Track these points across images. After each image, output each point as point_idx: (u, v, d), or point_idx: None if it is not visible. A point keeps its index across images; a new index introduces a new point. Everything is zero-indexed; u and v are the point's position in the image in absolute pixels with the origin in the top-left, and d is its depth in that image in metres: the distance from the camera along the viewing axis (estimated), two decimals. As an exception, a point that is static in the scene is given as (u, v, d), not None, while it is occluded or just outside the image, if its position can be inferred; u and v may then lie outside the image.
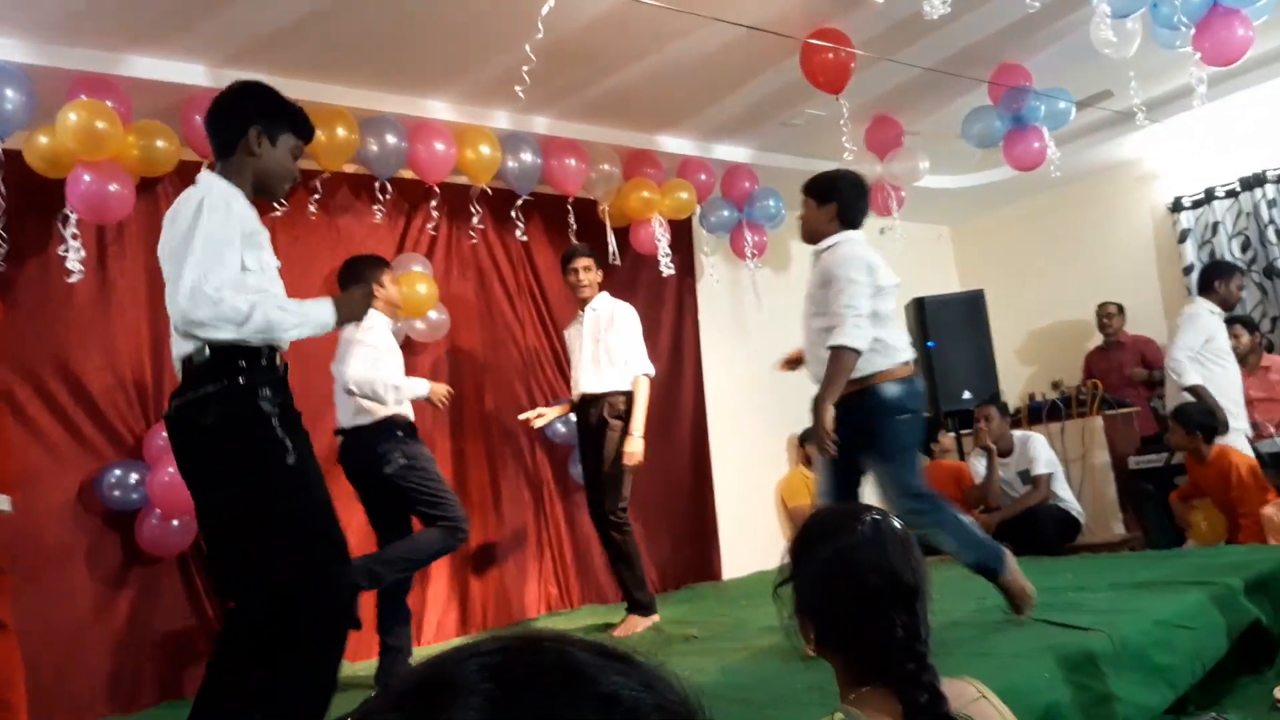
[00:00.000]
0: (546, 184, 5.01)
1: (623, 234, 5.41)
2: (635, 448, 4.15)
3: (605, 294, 4.44)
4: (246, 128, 2.42)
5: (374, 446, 3.60)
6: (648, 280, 5.59)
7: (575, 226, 5.14)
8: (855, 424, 3.17)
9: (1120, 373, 6.22)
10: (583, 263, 4.35)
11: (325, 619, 2.22)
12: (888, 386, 3.19)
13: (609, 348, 4.26)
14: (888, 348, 3.23)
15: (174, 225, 2.34)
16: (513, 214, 4.87)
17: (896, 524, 1.51)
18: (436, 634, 4.61)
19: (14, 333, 3.76)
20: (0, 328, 3.57)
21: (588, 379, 4.29)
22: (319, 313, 2.39)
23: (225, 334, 2.20)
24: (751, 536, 5.59)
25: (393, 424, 3.64)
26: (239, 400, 2.22)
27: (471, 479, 4.87)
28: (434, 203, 4.60)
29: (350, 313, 2.49)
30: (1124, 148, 6.47)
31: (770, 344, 6.32)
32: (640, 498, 5.06)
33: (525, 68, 3.54)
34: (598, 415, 4.22)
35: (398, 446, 3.60)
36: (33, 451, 3.72)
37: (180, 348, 2.29)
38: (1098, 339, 6.60)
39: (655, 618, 4.18)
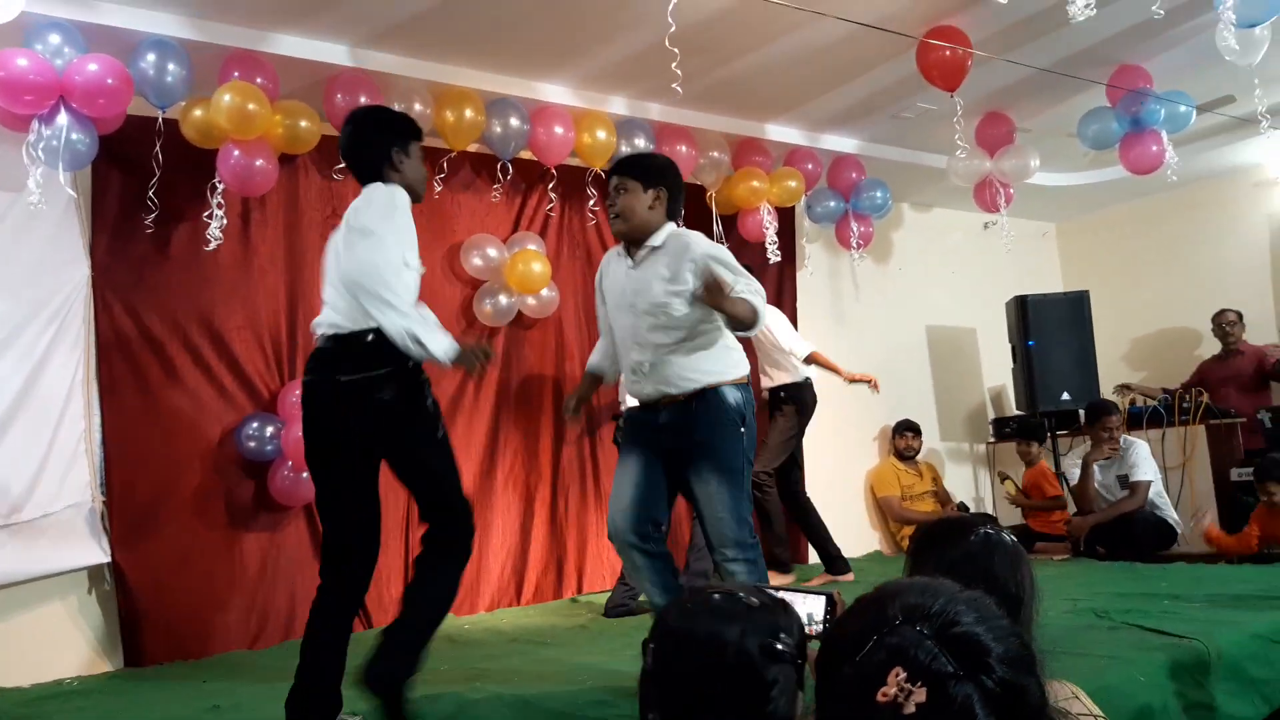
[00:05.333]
0: (658, 169, 5.13)
1: (728, 221, 5.51)
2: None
3: None
4: (388, 151, 2.72)
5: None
6: (749, 267, 5.67)
7: (683, 212, 5.23)
8: (690, 431, 2.83)
9: (1238, 381, 6.09)
10: None
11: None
12: (734, 391, 2.87)
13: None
14: (731, 350, 2.94)
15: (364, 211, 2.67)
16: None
17: (1007, 538, 1.61)
18: (535, 595, 4.83)
19: (166, 290, 4.05)
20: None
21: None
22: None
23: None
24: (839, 524, 5.64)
25: None
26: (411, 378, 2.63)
27: (565, 454, 5.07)
28: (550, 184, 4.78)
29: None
30: (1243, 152, 6.31)
31: (867, 333, 6.40)
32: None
33: (674, 63, 3.62)
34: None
35: None
36: (180, 400, 4.03)
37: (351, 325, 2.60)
38: (1208, 347, 6.47)
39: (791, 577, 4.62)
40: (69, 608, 3.82)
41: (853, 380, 5.33)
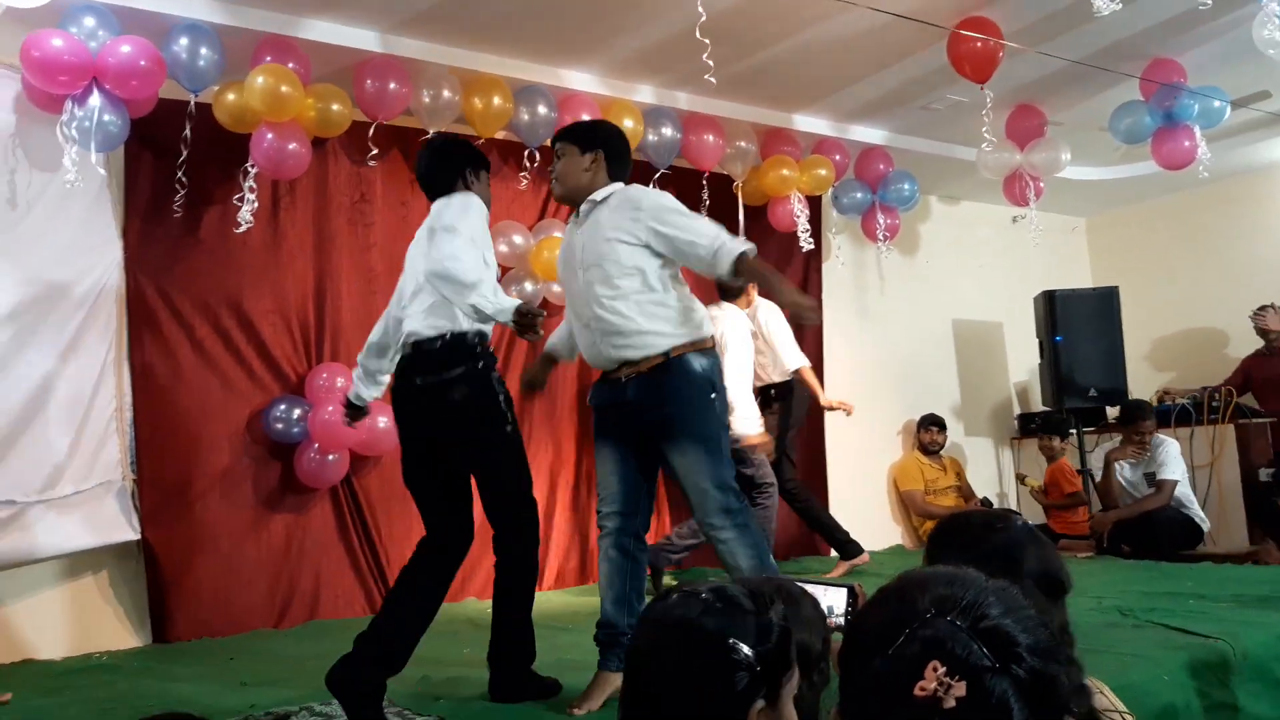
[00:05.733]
0: (683, 158, 5.13)
1: (756, 211, 5.50)
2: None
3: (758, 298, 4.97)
4: (463, 171, 2.96)
5: None
6: (774, 258, 5.66)
7: (708, 202, 5.25)
8: (660, 405, 2.70)
9: (1277, 381, 5.98)
10: None
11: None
12: (700, 358, 2.73)
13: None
14: (692, 310, 2.78)
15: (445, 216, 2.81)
16: (650, 187, 5.00)
17: (1035, 531, 1.60)
18: (556, 581, 4.86)
19: (196, 272, 4.10)
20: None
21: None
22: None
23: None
24: (861, 518, 5.63)
25: None
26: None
27: (587, 440, 5.08)
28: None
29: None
30: (1278, 149, 6.22)
31: (892, 326, 6.38)
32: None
33: (705, 54, 3.62)
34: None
35: None
36: (210, 382, 4.08)
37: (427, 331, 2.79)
38: (1236, 346, 6.39)
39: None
40: (100, 584, 3.89)
41: (829, 408, 5.39)
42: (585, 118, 4.60)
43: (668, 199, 2.77)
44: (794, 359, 5.02)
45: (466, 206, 2.78)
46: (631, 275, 2.69)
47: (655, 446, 2.73)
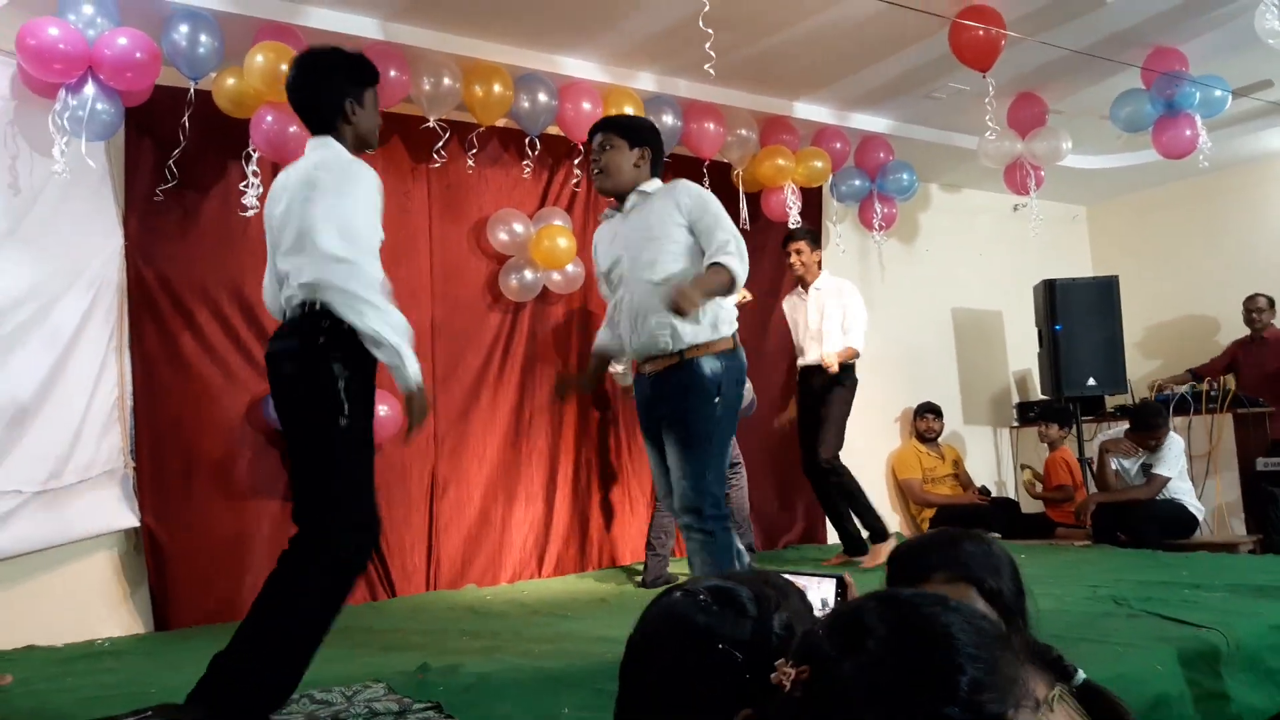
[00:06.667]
0: (683, 146, 5.13)
1: (754, 199, 5.50)
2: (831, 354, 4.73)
3: (826, 273, 5.00)
4: (341, 103, 2.51)
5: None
6: (775, 246, 5.65)
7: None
8: (665, 401, 2.86)
9: (1261, 369, 6.03)
10: (794, 246, 4.92)
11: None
12: (713, 360, 2.83)
13: (835, 323, 4.83)
14: (720, 305, 2.87)
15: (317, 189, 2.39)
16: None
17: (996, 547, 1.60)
18: (556, 568, 4.89)
19: (196, 260, 4.11)
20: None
21: (816, 352, 4.85)
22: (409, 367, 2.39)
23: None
24: (859, 505, 5.65)
25: None
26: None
27: (588, 428, 5.10)
28: (577, 160, 4.78)
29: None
30: (1279, 138, 6.21)
31: (893, 315, 6.38)
32: (753, 459, 5.23)
33: (707, 44, 3.63)
34: (821, 382, 4.79)
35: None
36: (210, 369, 4.09)
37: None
38: (1226, 334, 6.41)
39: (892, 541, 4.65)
40: (102, 570, 3.92)
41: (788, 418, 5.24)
42: (586, 106, 4.62)
43: (709, 197, 2.87)
44: (859, 341, 4.91)
45: (349, 195, 2.36)
46: (679, 260, 2.82)
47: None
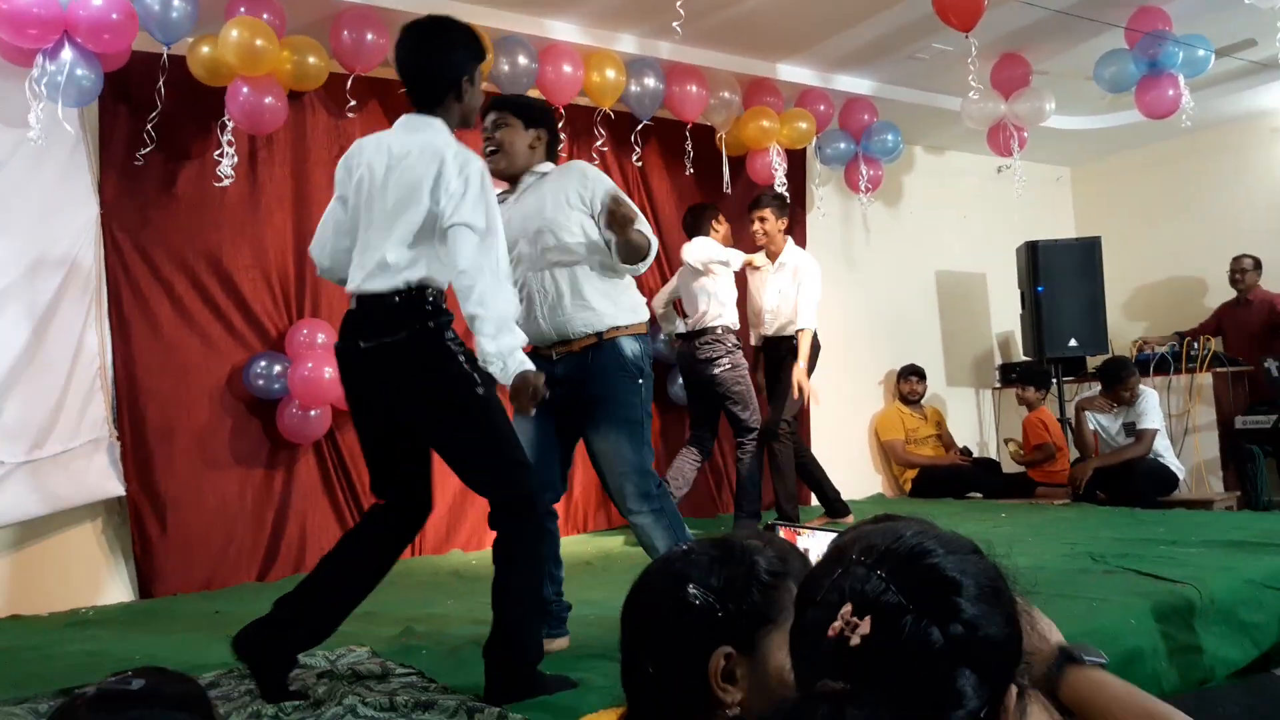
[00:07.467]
0: (666, 109, 5.09)
1: (738, 162, 5.47)
2: (802, 378, 4.67)
3: (791, 245, 4.93)
4: (460, 77, 2.42)
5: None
6: (758, 208, 5.65)
7: (692, 153, 5.23)
8: (585, 385, 2.75)
9: (1245, 330, 6.07)
10: (758, 213, 4.85)
11: None
12: (633, 342, 2.79)
13: (790, 304, 4.79)
14: (629, 291, 2.85)
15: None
16: (632, 139, 4.97)
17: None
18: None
19: (174, 229, 4.07)
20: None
21: (775, 324, 4.87)
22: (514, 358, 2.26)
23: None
24: (843, 468, 5.69)
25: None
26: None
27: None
28: (559, 124, 4.72)
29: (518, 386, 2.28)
30: (1261, 97, 6.22)
31: (876, 277, 6.39)
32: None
33: (678, 2, 3.58)
34: (785, 350, 4.80)
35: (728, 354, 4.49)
36: (190, 338, 4.07)
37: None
38: (1214, 296, 6.44)
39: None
40: (86, 539, 3.92)
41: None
42: (566, 69, 4.58)
43: (615, 188, 2.77)
44: (811, 319, 4.78)
45: (475, 181, 2.26)
46: (577, 249, 2.73)
47: (577, 424, 2.80)
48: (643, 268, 2.80)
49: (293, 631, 2.33)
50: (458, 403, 2.32)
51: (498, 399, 2.36)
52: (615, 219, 2.58)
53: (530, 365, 2.24)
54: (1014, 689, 0.91)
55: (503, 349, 2.20)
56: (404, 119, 2.45)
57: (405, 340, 2.30)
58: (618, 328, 2.76)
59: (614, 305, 2.76)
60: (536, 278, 2.77)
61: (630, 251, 2.70)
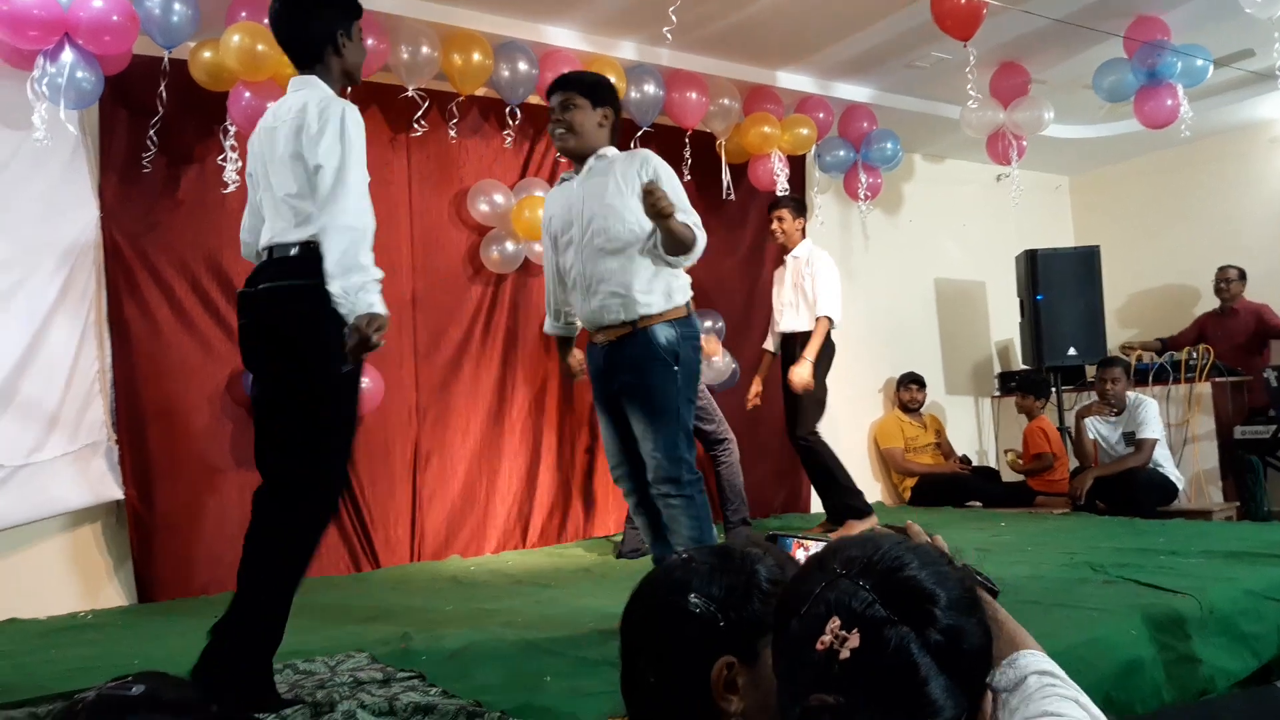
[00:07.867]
0: (666, 115, 5.10)
1: (738, 169, 5.48)
2: (802, 372, 4.56)
3: (807, 241, 4.93)
4: (333, 33, 2.46)
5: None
6: (758, 215, 5.66)
7: (691, 160, 5.24)
8: (621, 372, 2.81)
9: (1231, 340, 6.10)
10: (776, 213, 4.90)
11: None
12: (668, 329, 2.80)
13: (805, 292, 4.75)
14: (675, 275, 2.85)
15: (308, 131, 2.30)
16: (632, 145, 4.98)
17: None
18: (540, 538, 4.92)
19: (174, 232, 4.07)
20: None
21: (789, 320, 4.85)
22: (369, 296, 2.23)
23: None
24: (841, 474, 5.70)
25: None
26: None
27: (572, 399, 5.11)
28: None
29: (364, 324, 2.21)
30: (1259, 108, 6.24)
31: (875, 285, 6.39)
32: (737, 428, 5.23)
33: (671, 8, 3.59)
34: (795, 347, 4.73)
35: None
36: (189, 343, 4.06)
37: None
38: (1206, 304, 6.45)
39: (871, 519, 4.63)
40: (85, 543, 3.91)
41: (755, 394, 5.02)
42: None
43: (673, 175, 2.83)
44: (835, 308, 4.77)
45: (334, 122, 2.27)
46: (630, 236, 2.76)
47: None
48: (687, 261, 2.80)
49: (236, 646, 2.25)
50: (310, 369, 2.28)
51: (358, 388, 2.37)
52: (648, 207, 2.59)
53: (380, 309, 2.19)
54: (989, 694, 0.92)
55: (348, 288, 2.18)
56: (290, 82, 2.51)
57: (290, 289, 2.29)
58: (650, 315, 2.77)
59: (648, 293, 2.77)
60: (580, 263, 2.83)
61: (673, 243, 2.71)
